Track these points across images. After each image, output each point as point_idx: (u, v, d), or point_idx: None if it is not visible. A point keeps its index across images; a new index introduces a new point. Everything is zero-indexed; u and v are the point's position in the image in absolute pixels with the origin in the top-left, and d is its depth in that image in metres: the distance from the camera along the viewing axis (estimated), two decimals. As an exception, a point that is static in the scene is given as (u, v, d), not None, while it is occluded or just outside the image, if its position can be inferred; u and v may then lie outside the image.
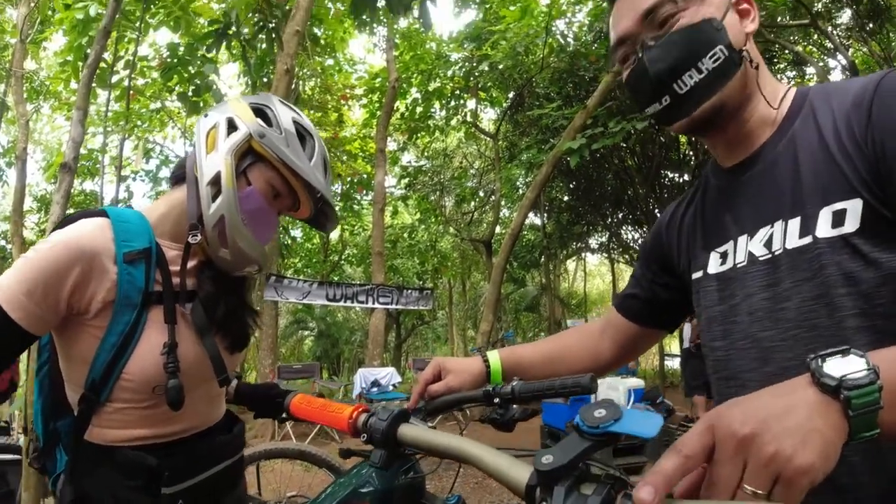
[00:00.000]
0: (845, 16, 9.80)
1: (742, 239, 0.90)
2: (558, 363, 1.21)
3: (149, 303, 1.07)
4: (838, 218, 0.77)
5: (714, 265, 0.96)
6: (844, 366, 0.55)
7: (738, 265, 0.90)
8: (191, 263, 1.16)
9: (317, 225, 1.30)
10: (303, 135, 1.18)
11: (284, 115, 1.16)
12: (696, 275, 1.00)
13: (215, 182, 1.09)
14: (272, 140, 1.12)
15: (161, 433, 1.11)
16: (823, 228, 0.78)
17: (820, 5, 8.92)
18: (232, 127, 1.12)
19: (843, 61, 8.38)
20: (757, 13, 0.93)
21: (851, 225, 0.76)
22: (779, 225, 0.84)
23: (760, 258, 0.87)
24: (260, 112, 1.16)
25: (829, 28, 8.88)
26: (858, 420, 0.54)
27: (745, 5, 0.91)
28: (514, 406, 0.94)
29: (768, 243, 0.86)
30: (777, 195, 0.86)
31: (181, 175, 1.17)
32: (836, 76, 10.37)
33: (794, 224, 0.82)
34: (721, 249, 0.95)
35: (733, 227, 0.93)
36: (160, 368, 1.05)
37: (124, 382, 1.05)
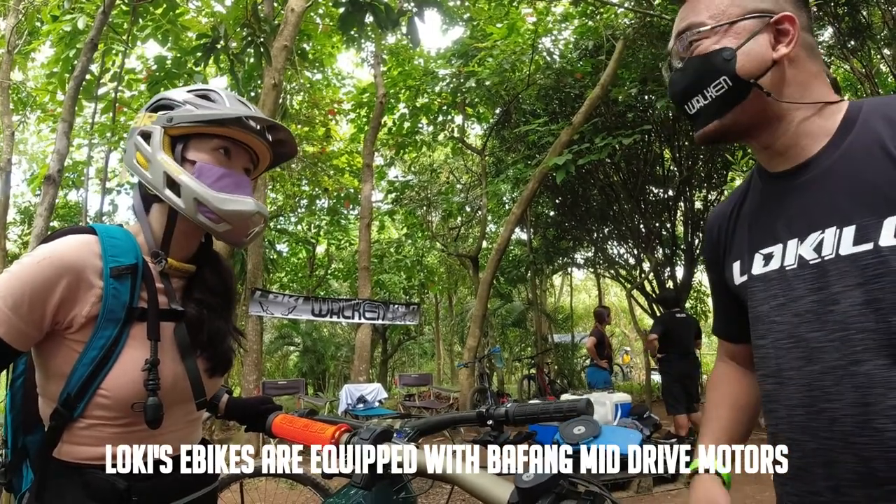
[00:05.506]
0: (827, 34, 9.99)
1: (792, 243, 0.93)
2: (746, 423, 1.14)
3: (132, 319, 1.06)
4: None
5: (758, 266, 0.98)
6: None
7: (787, 267, 0.93)
8: (178, 283, 1.16)
9: (284, 156, 1.29)
10: (203, 94, 1.19)
11: (178, 93, 1.18)
12: (742, 279, 1.02)
13: (169, 183, 1.10)
14: (181, 115, 1.13)
15: None
16: (887, 237, 0.82)
17: (803, 23, 9.06)
18: (146, 136, 1.13)
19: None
20: (798, 34, 0.92)
21: None
22: (830, 231, 0.88)
23: (811, 262, 0.90)
24: (158, 108, 1.17)
25: (812, 46, 9.05)
26: None
27: (785, 25, 0.92)
28: (507, 428, 0.94)
29: (818, 248, 0.89)
30: (830, 202, 0.89)
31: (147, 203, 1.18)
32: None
33: (849, 231, 0.85)
34: (765, 251, 0.97)
35: (783, 231, 0.95)
36: (139, 385, 1.03)
37: (100, 399, 1.03)
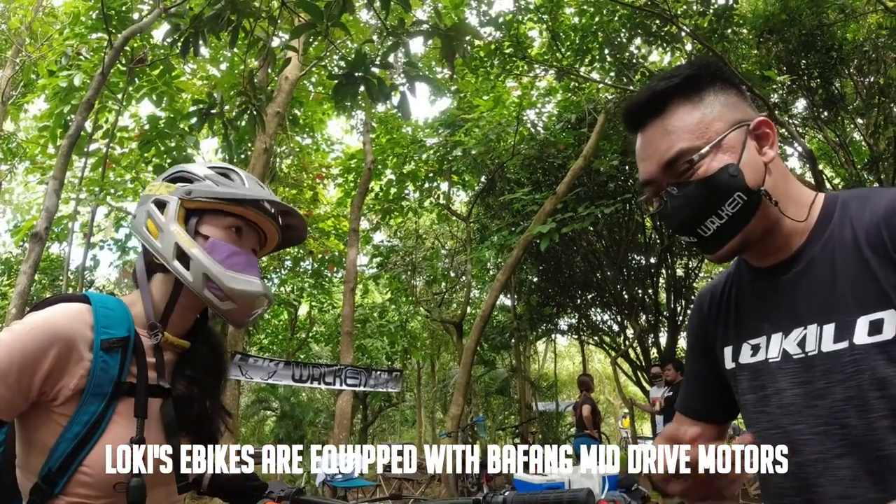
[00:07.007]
0: (801, 105, 10.40)
1: (776, 336, 0.95)
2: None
3: (119, 394, 1.02)
4: (875, 327, 0.83)
5: (746, 356, 1.00)
6: None
7: (771, 360, 0.95)
8: (169, 358, 1.13)
9: (292, 239, 1.28)
10: (224, 172, 1.19)
11: (198, 167, 1.19)
12: (731, 365, 1.03)
13: (179, 255, 1.09)
14: (201, 189, 1.13)
15: None
16: (861, 336, 0.84)
17: (776, 97, 9.47)
18: (161, 205, 1.13)
19: (800, 149, 8.84)
20: (776, 136, 0.95)
21: (888, 333, 0.82)
22: (812, 328, 0.90)
23: (794, 356, 0.92)
24: (176, 179, 1.18)
25: (786, 118, 9.42)
26: None
27: (763, 129, 0.95)
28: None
29: (801, 343, 0.91)
30: (812, 299, 0.91)
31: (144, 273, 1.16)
32: (794, 163, 10.94)
33: (829, 329, 0.87)
34: (753, 342, 0.99)
35: (767, 325, 0.97)
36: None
37: (82, 476, 0.98)
